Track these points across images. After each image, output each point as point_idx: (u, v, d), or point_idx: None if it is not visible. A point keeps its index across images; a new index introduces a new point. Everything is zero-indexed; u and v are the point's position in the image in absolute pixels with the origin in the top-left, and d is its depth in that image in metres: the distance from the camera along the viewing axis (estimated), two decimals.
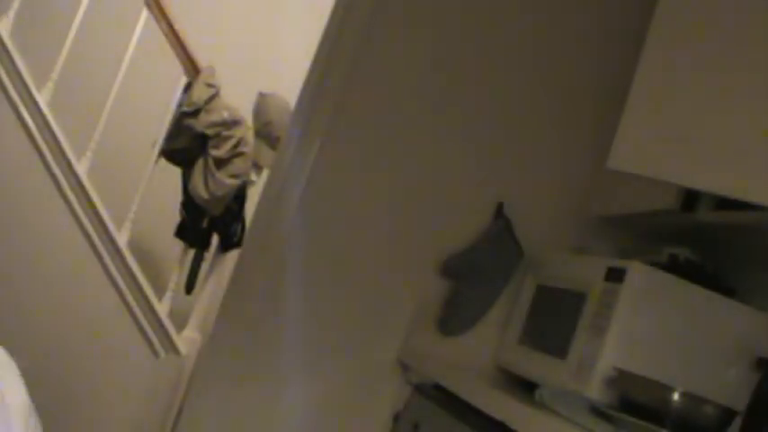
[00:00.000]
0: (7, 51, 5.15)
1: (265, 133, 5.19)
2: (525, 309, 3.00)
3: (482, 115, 3.20)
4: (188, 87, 5.16)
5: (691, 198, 2.57)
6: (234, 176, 5.06)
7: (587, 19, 3.27)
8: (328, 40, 3.25)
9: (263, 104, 5.22)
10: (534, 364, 2.77)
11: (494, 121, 3.21)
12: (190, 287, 5.17)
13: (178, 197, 5.16)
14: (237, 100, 5.22)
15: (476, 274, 3.11)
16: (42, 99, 5.15)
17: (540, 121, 3.24)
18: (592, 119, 3.20)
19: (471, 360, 3.11)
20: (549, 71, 3.25)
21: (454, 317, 3.12)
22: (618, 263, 2.51)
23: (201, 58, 5.20)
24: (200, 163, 5.07)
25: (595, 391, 2.39)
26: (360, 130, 3.14)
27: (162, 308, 5.07)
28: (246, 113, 5.21)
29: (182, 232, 5.16)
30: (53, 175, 5.11)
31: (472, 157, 3.19)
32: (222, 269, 5.12)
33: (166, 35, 5.22)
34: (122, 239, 5.11)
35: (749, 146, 2.24)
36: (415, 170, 3.16)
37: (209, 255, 5.23)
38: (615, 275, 2.49)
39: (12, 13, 5.22)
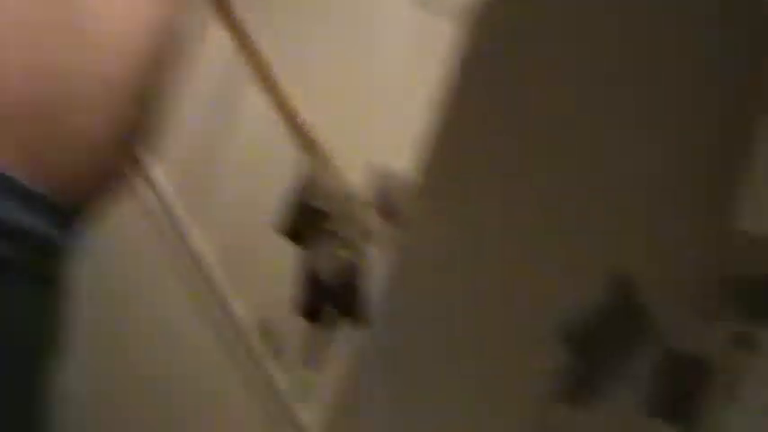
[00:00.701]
0: None
1: (385, 211, 5.19)
2: (650, 379, 2.92)
3: (610, 181, 3.15)
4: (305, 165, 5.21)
5: None
6: (349, 250, 5.06)
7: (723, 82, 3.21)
8: (442, 110, 3.24)
9: (383, 184, 5.23)
10: None
11: (623, 183, 3.15)
12: (312, 363, 5.17)
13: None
14: (352, 174, 5.25)
15: (602, 342, 3.05)
16: (161, 175, 5.24)
17: (668, 180, 3.17)
18: (723, 176, 3.11)
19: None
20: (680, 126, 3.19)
21: (577, 387, 3.06)
22: (747, 328, 2.42)
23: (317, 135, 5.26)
24: (317, 239, 5.10)
25: None
26: (479, 206, 3.13)
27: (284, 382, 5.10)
28: (361, 187, 5.23)
29: (303, 310, 5.17)
30: (176, 254, 5.18)
31: (602, 222, 3.14)
32: (347, 346, 5.11)
33: (281, 112, 5.29)
34: (247, 318, 5.16)
35: None
36: (539, 237, 3.12)
37: (331, 330, 5.23)
38: (745, 342, 2.41)
39: None
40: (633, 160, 3.16)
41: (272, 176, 5.41)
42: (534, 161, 3.14)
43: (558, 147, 3.14)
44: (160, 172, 5.25)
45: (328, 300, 5.14)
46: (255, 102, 5.33)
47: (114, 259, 5.15)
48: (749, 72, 3.09)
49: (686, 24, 3.18)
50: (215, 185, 5.28)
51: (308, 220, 5.10)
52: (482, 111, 3.17)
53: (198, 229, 5.23)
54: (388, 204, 5.16)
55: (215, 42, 5.33)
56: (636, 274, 3.07)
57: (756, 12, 3.04)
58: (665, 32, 3.18)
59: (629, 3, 3.20)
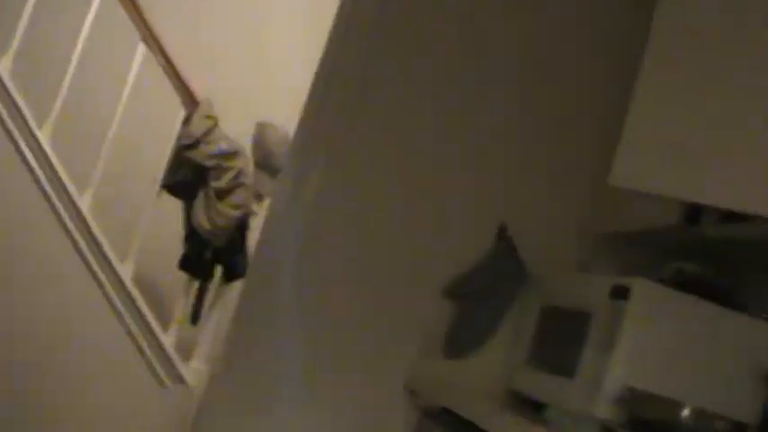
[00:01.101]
0: (7, 90, 5.16)
1: (265, 163, 5.19)
2: (531, 329, 2.98)
3: (481, 138, 3.19)
4: (187, 120, 5.17)
5: (694, 212, 2.57)
6: (235, 207, 5.06)
7: (586, 37, 3.27)
8: (325, 68, 3.25)
9: (261, 134, 5.23)
10: (542, 385, 2.76)
11: (494, 143, 3.20)
12: (195, 318, 5.16)
13: (180, 230, 5.16)
14: (237, 130, 5.23)
15: (479, 295, 3.10)
16: (43, 136, 5.16)
17: (541, 140, 3.23)
18: (593, 136, 3.18)
19: (478, 383, 3.10)
20: (549, 90, 3.24)
21: (459, 339, 3.11)
22: (622, 280, 2.49)
23: (199, 90, 5.22)
24: (201, 195, 5.08)
25: (605, 410, 2.37)
26: (359, 157, 3.13)
27: (168, 339, 5.08)
28: (246, 144, 5.21)
29: (185, 264, 5.16)
30: (56, 211, 5.11)
31: (473, 179, 3.18)
32: (226, 300, 5.11)
33: (164, 69, 5.24)
34: (126, 273, 5.12)
35: (750, 157, 2.23)
36: (416, 194, 3.15)
37: (213, 286, 5.23)
38: (620, 293, 2.47)
39: (11, 53, 5.23)
40: (509, 116, 3.21)
41: (156, 132, 5.37)
42: (420, 116, 3.15)
43: (440, 103, 3.16)
44: (44, 133, 5.17)
45: (211, 255, 5.13)
46: (139, 58, 5.28)
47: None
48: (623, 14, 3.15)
49: None
50: (97, 142, 5.21)
51: (191, 174, 5.07)
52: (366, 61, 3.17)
53: (79, 186, 5.17)
54: (268, 157, 5.16)
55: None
56: (515, 232, 3.12)
57: None
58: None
59: None
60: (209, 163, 5.07)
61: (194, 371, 5.08)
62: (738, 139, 2.31)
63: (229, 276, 5.17)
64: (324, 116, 3.17)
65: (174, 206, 5.19)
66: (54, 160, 5.16)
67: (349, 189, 3.13)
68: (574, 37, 3.27)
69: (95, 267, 5.11)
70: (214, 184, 5.05)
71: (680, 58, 2.53)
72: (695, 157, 2.40)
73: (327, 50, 3.28)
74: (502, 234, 3.14)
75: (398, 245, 3.13)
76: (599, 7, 3.26)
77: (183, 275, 5.17)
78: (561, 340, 2.72)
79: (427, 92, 3.18)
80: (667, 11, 2.59)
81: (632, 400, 2.31)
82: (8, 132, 5.15)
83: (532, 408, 2.80)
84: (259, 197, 5.21)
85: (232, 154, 5.13)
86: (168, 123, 5.22)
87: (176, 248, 5.18)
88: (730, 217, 2.44)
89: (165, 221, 5.23)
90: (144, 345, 5.07)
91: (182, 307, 5.15)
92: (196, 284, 5.17)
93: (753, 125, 2.26)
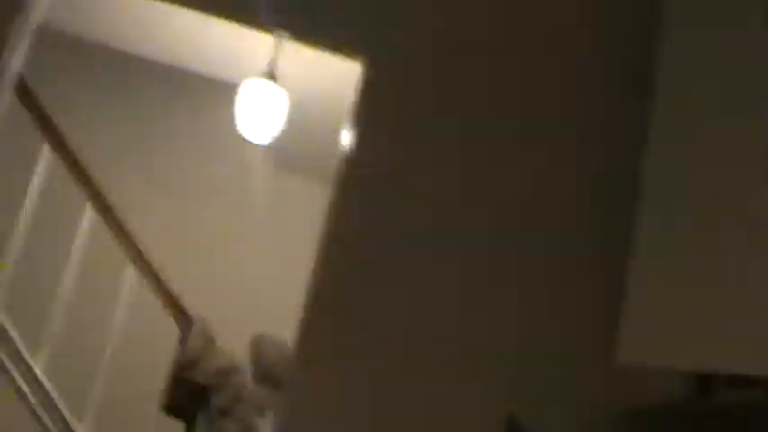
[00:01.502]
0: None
1: (265, 376, 5.14)
2: None
3: (487, 329, 3.18)
4: (182, 340, 5.15)
5: (705, 381, 2.53)
6: (238, 423, 4.98)
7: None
8: (317, 278, 3.25)
9: (258, 347, 5.19)
10: None
11: (500, 331, 3.18)
12: None
13: None
14: (233, 346, 5.20)
15: None
16: (38, 367, 5.10)
17: (549, 325, 3.21)
18: (599, 315, 3.15)
19: None
20: (557, 267, 3.24)
21: None
22: None
23: (192, 309, 5.21)
24: (202, 414, 5.01)
25: None
26: (360, 358, 3.11)
27: None
28: (243, 358, 5.17)
29: None
30: None
31: (480, 370, 3.15)
32: None
33: (155, 290, 5.24)
34: None
35: (752, 319, 2.21)
36: (419, 397, 3.11)
37: None
38: None
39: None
40: (510, 306, 3.21)
41: (151, 353, 5.34)
42: (418, 319, 3.15)
43: (442, 299, 3.17)
44: (38, 363, 5.12)
45: None
46: (132, 281, 5.29)
47: None
48: (619, 216, 3.18)
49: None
50: (91, 369, 5.16)
51: (190, 394, 5.01)
52: (357, 269, 3.19)
53: (76, 414, 5.10)
54: (267, 371, 5.12)
55: (89, 223, 5.30)
56: (524, 416, 3.07)
57: None
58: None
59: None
60: (208, 381, 5.01)
61: None
62: (739, 302, 2.29)
63: None
64: (319, 325, 3.16)
65: (176, 429, 5.12)
66: (50, 391, 5.09)
67: (350, 395, 3.09)
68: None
69: None
70: (215, 401, 4.98)
71: (673, 233, 2.54)
72: (697, 327, 2.38)
73: (316, 262, 3.29)
74: (512, 427, 3.08)
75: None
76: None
77: None
78: None
79: (419, 288, 3.18)
80: (656, 168, 2.62)
81: None
82: (1, 365, 5.08)
83: None
84: (261, 411, 5.13)
85: (231, 370, 5.08)
86: (163, 344, 5.19)
87: None
88: (741, 382, 2.40)
89: None
90: None
91: None
92: None
93: (753, 285, 2.25)
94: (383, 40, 3.41)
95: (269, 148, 6.29)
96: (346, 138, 3.35)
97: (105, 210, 5.29)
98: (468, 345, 3.17)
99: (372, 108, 3.34)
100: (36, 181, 5.27)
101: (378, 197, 3.27)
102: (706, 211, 2.40)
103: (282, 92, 5.58)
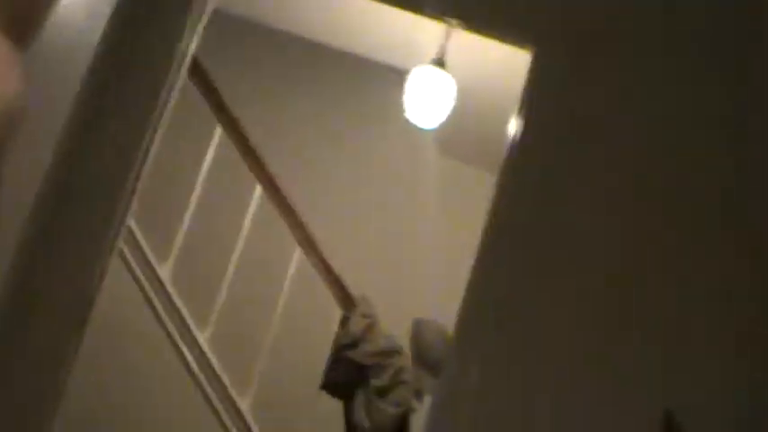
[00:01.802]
0: (169, 296, 5.29)
1: (424, 360, 5.18)
2: None
3: (639, 330, 3.14)
4: (345, 320, 5.23)
5: None
6: (396, 405, 5.04)
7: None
8: (479, 269, 3.26)
9: (419, 331, 5.23)
10: None
11: (653, 330, 3.14)
12: None
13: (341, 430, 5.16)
14: (394, 328, 5.26)
15: None
16: (203, 339, 5.25)
17: (709, 318, 3.16)
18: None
19: None
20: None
21: None
22: None
23: (355, 289, 5.29)
24: (360, 393, 5.08)
25: None
26: (516, 353, 3.12)
27: None
28: (405, 341, 5.23)
29: None
30: (217, 413, 5.16)
31: (634, 367, 3.12)
32: None
33: (319, 270, 5.34)
34: None
35: None
36: (575, 391, 3.10)
37: None
38: None
39: (171, 258, 5.37)
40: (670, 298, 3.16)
41: (314, 332, 5.45)
42: (576, 310, 3.14)
43: (606, 294, 3.15)
44: (204, 338, 5.28)
45: None
46: (294, 259, 5.40)
47: None
48: None
49: None
50: (254, 345, 5.30)
51: (350, 374, 5.09)
52: (522, 259, 3.19)
53: (239, 390, 5.23)
54: (426, 355, 5.15)
55: (253, 201, 5.43)
56: (681, 413, 3.03)
57: None
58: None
59: None
60: (369, 361, 5.08)
61: None
62: None
63: None
64: (481, 313, 3.17)
65: (334, 407, 5.20)
66: (215, 363, 5.24)
67: (507, 385, 3.10)
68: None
69: None
70: (374, 382, 5.05)
71: None
72: None
73: (481, 249, 3.30)
74: (669, 424, 3.05)
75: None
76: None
77: None
78: None
79: (573, 289, 3.16)
80: None
81: None
82: (170, 336, 5.25)
83: None
84: (419, 394, 5.17)
85: (392, 352, 5.14)
86: (325, 323, 5.29)
87: None
88: None
89: (325, 423, 5.24)
90: None
91: None
92: None
93: None
94: (553, 28, 3.39)
95: (436, 134, 6.33)
96: (513, 126, 3.36)
97: (274, 191, 5.41)
98: (628, 339, 3.14)
99: (541, 96, 3.33)
100: (207, 162, 5.43)
101: (544, 187, 3.26)
102: None
103: (451, 79, 5.60)
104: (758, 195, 3.19)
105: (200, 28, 3.52)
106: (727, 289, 3.15)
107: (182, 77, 3.49)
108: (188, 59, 3.49)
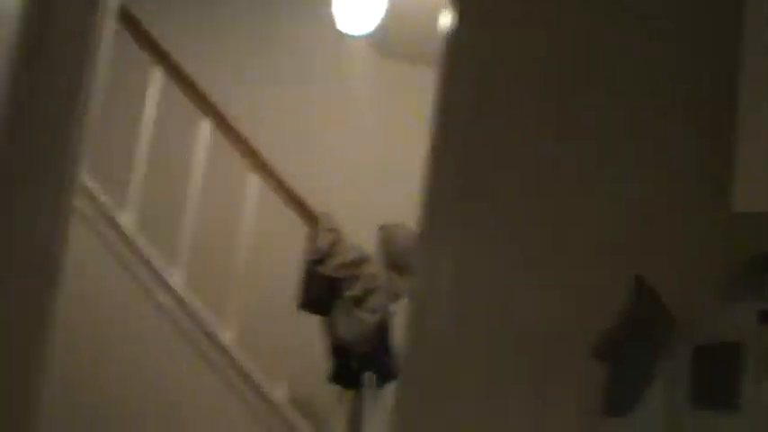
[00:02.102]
0: (131, 240, 5.30)
1: (395, 263, 5.24)
2: (686, 372, 2.93)
3: (607, 185, 3.18)
4: (310, 236, 5.28)
5: None
6: (373, 312, 5.10)
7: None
8: (434, 154, 3.28)
9: (386, 236, 5.29)
10: (709, 425, 2.71)
11: (617, 189, 3.18)
12: (355, 429, 5.19)
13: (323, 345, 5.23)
14: (360, 235, 5.31)
15: (631, 349, 3.06)
16: (175, 281, 5.28)
17: (660, 180, 3.20)
18: (715, 165, 3.13)
19: None
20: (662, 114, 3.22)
21: (620, 395, 3.07)
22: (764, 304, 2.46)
23: (315, 205, 5.34)
24: (337, 306, 5.14)
25: None
26: (488, 226, 3.15)
27: None
28: (372, 247, 5.28)
29: (336, 378, 5.20)
30: (202, 353, 5.21)
31: (602, 229, 3.16)
32: (383, 404, 5.13)
33: (277, 192, 5.37)
34: (281, 397, 5.19)
35: None
36: (547, 258, 3.14)
37: (366, 393, 5.25)
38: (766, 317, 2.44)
39: (131, 205, 5.37)
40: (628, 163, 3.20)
41: (281, 251, 5.49)
42: (538, 193, 3.16)
43: (559, 172, 3.17)
44: (174, 272, 5.29)
45: (358, 363, 5.17)
46: (252, 186, 5.42)
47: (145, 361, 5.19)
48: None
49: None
50: (227, 277, 5.33)
51: (324, 289, 5.14)
52: (473, 143, 3.20)
53: (216, 318, 5.28)
54: (396, 259, 5.21)
55: (202, 135, 5.42)
56: (650, 275, 3.08)
57: None
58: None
59: None
60: (340, 274, 5.14)
61: None
62: None
63: (381, 380, 5.19)
64: (442, 205, 3.20)
65: (314, 322, 5.27)
66: (188, 301, 5.27)
67: (480, 272, 3.14)
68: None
69: (250, 399, 5.19)
70: (348, 293, 5.11)
71: None
72: None
73: (433, 140, 3.31)
74: (640, 285, 3.11)
75: (542, 309, 3.11)
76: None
77: (335, 389, 5.22)
78: (719, 377, 2.68)
79: (540, 146, 3.19)
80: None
81: None
82: (141, 283, 5.27)
83: None
84: (394, 297, 5.24)
85: (361, 261, 5.19)
86: (292, 243, 5.34)
87: (323, 365, 5.25)
88: None
89: (308, 340, 5.31)
90: None
91: (340, 422, 5.19)
92: (350, 396, 5.22)
93: None
94: None
95: (373, 38, 6.31)
96: (446, 20, 3.35)
97: (221, 122, 5.41)
98: (591, 209, 3.17)
99: None
100: (150, 105, 5.40)
101: (481, 78, 3.26)
102: None
103: None
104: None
105: None
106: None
107: (110, 24, 3.47)
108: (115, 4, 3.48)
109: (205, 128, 5.41)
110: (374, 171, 6.40)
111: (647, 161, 3.20)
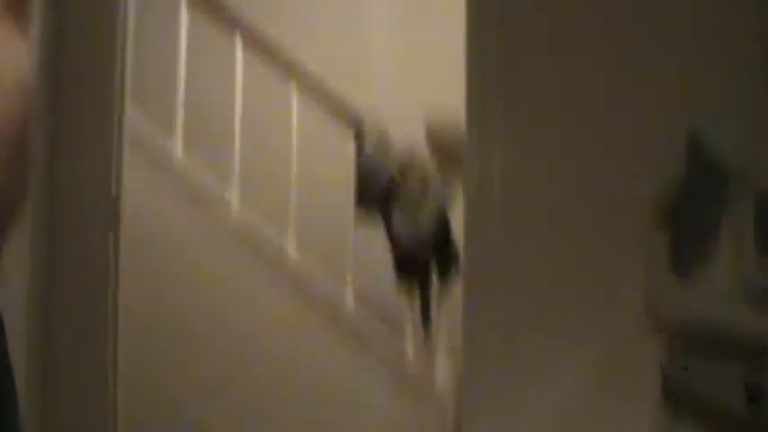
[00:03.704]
0: (183, 166, 5.35)
1: (446, 154, 5.24)
2: (751, 223, 2.95)
3: (650, 46, 3.15)
4: (358, 138, 5.29)
5: None
6: (431, 203, 5.13)
7: None
8: (474, 46, 3.27)
9: (433, 127, 5.29)
10: None
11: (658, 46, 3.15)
12: (426, 322, 5.25)
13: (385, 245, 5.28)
14: (409, 132, 5.32)
15: (691, 208, 3.07)
16: (233, 199, 5.34)
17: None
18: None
19: (718, 290, 3.07)
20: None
21: (686, 256, 3.08)
22: None
23: (360, 108, 5.35)
24: (395, 203, 5.17)
25: None
26: (534, 107, 3.14)
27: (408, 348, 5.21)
28: (422, 141, 5.29)
29: (401, 273, 5.25)
30: (265, 263, 5.27)
31: (654, 89, 3.14)
32: (451, 296, 5.19)
33: (321, 98, 5.38)
34: (349, 300, 5.27)
35: None
36: (598, 124, 3.13)
37: (433, 286, 5.30)
38: None
39: (180, 131, 5.39)
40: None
41: (331, 158, 5.52)
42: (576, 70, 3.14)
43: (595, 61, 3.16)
44: (233, 196, 5.33)
45: (423, 258, 5.21)
46: (295, 98, 5.43)
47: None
48: None
49: None
50: (283, 190, 5.37)
51: (381, 187, 5.17)
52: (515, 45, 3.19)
53: (280, 234, 5.33)
54: (445, 147, 5.22)
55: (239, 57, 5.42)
56: (704, 130, 3.08)
57: None
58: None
59: None
60: (392, 171, 5.16)
61: (439, 369, 5.18)
62: None
63: (445, 272, 5.24)
64: (488, 94, 3.20)
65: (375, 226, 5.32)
66: (248, 218, 5.34)
67: (531, 159, 3.15)
68: None
69: (318, 303, 5.26)
70: (403, 190, 5.13)
71: None
72: None
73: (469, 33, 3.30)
74: (692, 140, 3.10)
75: (600, 179, 3.11)
76: None
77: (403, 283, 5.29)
78: None
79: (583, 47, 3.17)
80: None
81: None
82: (199, 201, 5.34)
83: None
84: (450, 187, 5.26)
85: (411, 156, 5.21)
86: (342, 147, 5.37)
87: (389, 263, 5.30)
88: None
89: (372, 240, 5.36)
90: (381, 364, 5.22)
91: (410, 317, 5.26)
92: (418, 291, 5.27)
93: None
94: None
95: None
96: None
97: (254, 40, 5.41)
98: (639, 70, 3.15)
99: None
100: (183, 35, 5.40)
101: None
102: None
103: None
104: None
105: None
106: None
107: None
108: None
109: (239, 47, 5.41)
110: (414, 66, 6.36)
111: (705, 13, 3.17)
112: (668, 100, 3.13)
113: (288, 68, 5.42)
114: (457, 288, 4.72)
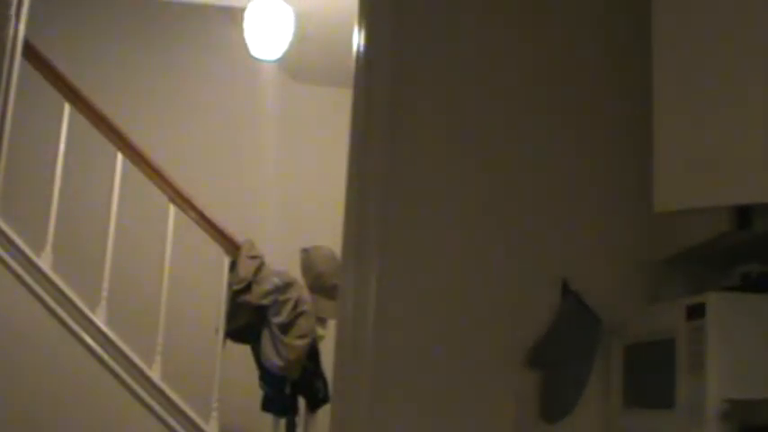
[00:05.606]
0: (52, 282, 5.19)
1: (320, 286, 5.22)
2: (620, 371, 2.96)
3: (527, 200, 3.20)
4: (233, 265, 5.24)
5: (743, 215, 2.56)
6: (301, 337, 5.08)
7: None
8: (353, 175, 3.27)
9: (308, 259, 5.27)
10: (646, 423, 2.73)
11: (539, 202, 3.20)
12: None
13: (254, 374, 5.19)
14: (284, 261, 5.29)
15: (562, 355, 3.08)
16: (99, 318, 5.18)
17: (581, 186, 3.23)
18: (633, 168, 3.17)
19: None
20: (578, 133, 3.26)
21: (554, 402, 3.08)
22: (695, 299, 2.48)
23: (237, 233, 5.31)
24: (265, 334, 5.11)
25: (714, 429, 2.34)
26: (412, 243, 3.14)
27: None
28: (296, 273, 5.26)
29: (268, 406, 5.17)
30: (128, 387, 5.12)
31: (525, 236, 3.18)
32: (317, 428, 5.12)
33: (198, 223, 5.33)
34: (213, 430, 5.14)
35: None
36: (474, 269, 3.15)
37: (300, 419, 5.22)
38: (696, 312, 2.46)
39: (48, 246, 5.26)
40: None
41: (204, 283, 5.45)
42: (467, 199, 3.17)
43: (485, 174, 3.18)
44: (98, 315, 5.21)
45: (291, 389, 5.14)
46: (171, 217, 5.37)
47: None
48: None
49: None
50: (152, 313, 5.27)
51: (250, 317, 5.11)
52: (390, 161, 3.20)
53: (146, 361, 5.20)
54: (320, 279, 5.19)
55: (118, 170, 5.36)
56: (577, 281, 3.11)
57: None
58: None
59: None
60: (265, 301, 5.11)
61: None
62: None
63: (314, 405, 5.17)
64: (365, 228, 3.19)
65: (244, 353, 5.23)
66: (115, 339, 5.18)
67: (409, 280, 3.14)
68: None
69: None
70: (275, 320, 5.08)
71: (689, 69, 2.55)
72: (727, 161, 2.42)
73: (350, 161, 3.31)
74: (566, 290, 3.13)
75: (470, 324, 3.11)
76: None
77: (268, 417, 5.18)
78: (652, 374, 2.70)
79: (457, 160, 3.20)
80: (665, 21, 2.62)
81: (736, 411, 2.29)
82: (62, 321, 5.15)
83: None
84: (322, 320, 5.23)
85: (285, 286, 5.17)
86: (216, 274, 5.30)
87: (255, 393, 5.21)
88: None
89: (238, 370, 5.27)
90: None
91: None
92: (283, 423, 5.18)
93: None
94: None
95: (281, 63, 6.31)
96: (356, 37, 3.35)
97: (136, 155, 5.36)
98: (513, 213, 3.18)
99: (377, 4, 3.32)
100: (63, 141, 5.32)
101: (394, 95, 3.25)
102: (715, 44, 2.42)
103: (288, 7, 5.64)
104: None
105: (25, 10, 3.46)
106: None
107: (17, 63, 3.43)
108: (20, 44, 3.43)
109: (119, 163, 5.35)
110: (294, 194, 6.38)
111: (570, 166, 3.23)
112: (540, 245, 3.17)
113: (168, 187, 5.36)
114: (324, 420, 4.67)
